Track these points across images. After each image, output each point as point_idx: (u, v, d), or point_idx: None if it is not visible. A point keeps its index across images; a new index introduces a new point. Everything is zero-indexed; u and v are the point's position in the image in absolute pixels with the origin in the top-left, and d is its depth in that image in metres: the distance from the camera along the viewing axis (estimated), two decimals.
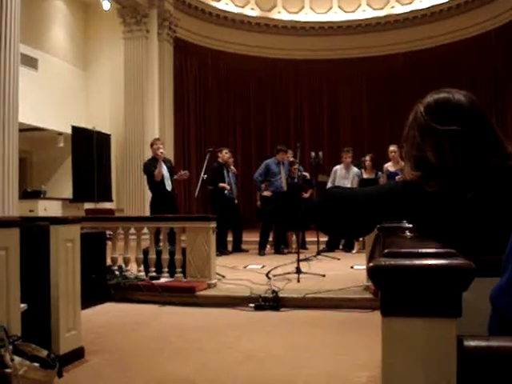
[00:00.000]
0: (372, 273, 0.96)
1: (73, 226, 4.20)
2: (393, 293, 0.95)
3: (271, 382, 3.76)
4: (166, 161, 9.23)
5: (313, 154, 9.86)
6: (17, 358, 3.09)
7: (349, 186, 10.62)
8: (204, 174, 8.86)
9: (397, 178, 9.28)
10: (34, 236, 3.99)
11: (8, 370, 3.04)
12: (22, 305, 3.66)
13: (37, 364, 3.16)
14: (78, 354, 4.16)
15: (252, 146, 16.74)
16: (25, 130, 12.76)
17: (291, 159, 10.89)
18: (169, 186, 9.10)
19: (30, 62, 12.44)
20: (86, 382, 3.77)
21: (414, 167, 1.68)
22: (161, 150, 9.03)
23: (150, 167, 9.09)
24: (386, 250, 0.99)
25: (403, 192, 1.67)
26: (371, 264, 0.97)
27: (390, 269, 0.94)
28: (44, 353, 3.26)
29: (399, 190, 1.70)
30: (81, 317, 4.42)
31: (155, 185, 9.01)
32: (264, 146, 16.18)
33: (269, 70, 17.16)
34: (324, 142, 16.21)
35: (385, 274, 0.95)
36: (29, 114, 11.88)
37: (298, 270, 7.27)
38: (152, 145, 9.33)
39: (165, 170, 9.07)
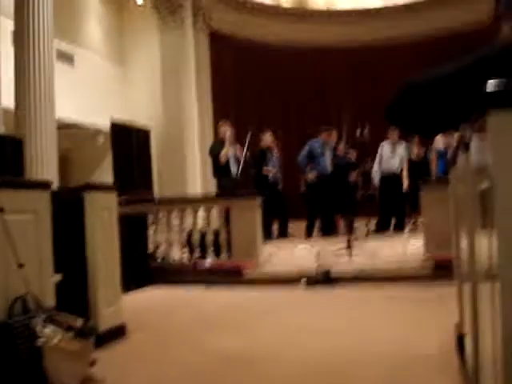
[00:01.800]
0: None
1: (109, 193, 3.92)
2: None
3: (332, 351, 3.40)
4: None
5: (358, 130, 9.42)
6: (49, 328, 2.79)
7: (396, 165, 10.21)
8: (245, 152, 8.54)
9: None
10: (69, 204, 3.71)
11: (40, 340, 2.75)
12: (56, 275, 3.38)
13: (71, 334, 2.86)
14: (119, 332, 3.87)
15: (292, 129, 16.32)
16: (63, 127, 12.67)
17: (335, 139, 10.47)
18: (234, 169, 8.81)
19: (66, 58, 12.31)
20: (127, 358, 3.47)
21: None
22: (228, 133, 8.75)
23: (214, 149, 8.84)
24: None
25: (503, 56, 1.29)
26: None
27: None
28: (79, 322, 2.96)
29: (498, 55, 1.32)
30: (122, 297, 4.14)
31: (220, 168, 8.69)
32: (304, 128, 15.67)
33: (306, 59, 16.73)
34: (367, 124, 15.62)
35: None
36: (66, 110, 11.75)
37: (350, 246, 6.85)
38: (219, 127, 9.19)
39: (231, 153, 8.79)
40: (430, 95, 1.40)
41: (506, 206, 1.10)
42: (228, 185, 8.42)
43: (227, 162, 8.61)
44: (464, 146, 1.75)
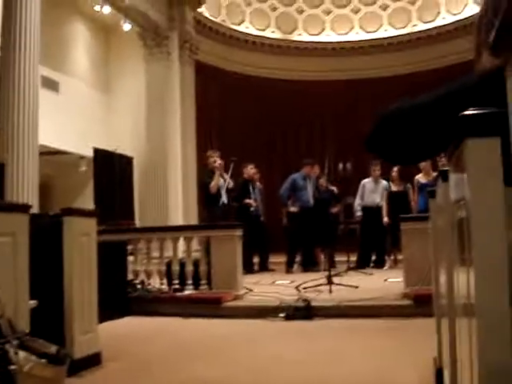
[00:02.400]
0: None
1: (89, 219, 3.88)
2: None
3: (310, 381, 3.37)
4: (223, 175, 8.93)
5: (340, 165, 9.50)
6: (22, 353, 2.74)
7: (378, 199, 10.27)
8: (227, 183, 8.55)
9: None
10: (47, 228, 3.67)
11: (12, 367, 2.70)
12: (32, 301, 3.33)
13: (44, 360, 2.81)
14: (94, 360, 3.80)
15: (275, 162, 16.41)
16: (47, 153, 12.61)
17: (317, 172, 10.53)
18: (225, 199, 8.80)
19: (52, 85, 12.32)
20: None
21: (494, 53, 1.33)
22: (218, 162, 8.75)
23: (205, 178, 8.86)
24: None
25: (481, 85, 1.31)
26: None
27: None
28: (53, 349, 2.91)
29: (475, 84, 1.34)
30: (99, 325, 4.09)
31: (210, 197, 8.67)
32: (287, 162, 15.81)
33: (291, 92, 16.89)
34: (350, 159, 15.79)
35: None
36: (50, 136, 11.74)
37: (330, 281, 6.84)
38: (208, 157, 9.09)
39: (222, 182, 8.78)
40: (409, 124, 1.42)
41: (482, 236, 1.11)
42: (218, 214, 8.39)
43: (217, 192, 8.61)
44: (443, 176, 1.77)
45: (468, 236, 1.23)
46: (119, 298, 6.14)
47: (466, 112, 1.04)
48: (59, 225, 3.63)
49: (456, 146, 1.15)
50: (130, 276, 6.86)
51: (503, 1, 0.91)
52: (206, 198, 8.83)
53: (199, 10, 15.18)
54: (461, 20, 16.02)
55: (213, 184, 8.54)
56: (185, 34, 14.43)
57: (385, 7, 17.49)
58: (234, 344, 4.64)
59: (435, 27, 16.87)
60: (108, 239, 6.09)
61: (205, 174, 9.15)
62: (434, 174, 9.40)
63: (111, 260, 6.00)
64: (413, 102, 1.47)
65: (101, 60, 14.45)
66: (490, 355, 1.14)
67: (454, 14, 16.57)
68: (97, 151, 12.55)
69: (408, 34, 17.25)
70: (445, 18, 16.84)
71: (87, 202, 12.81)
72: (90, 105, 13.73)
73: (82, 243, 3.76)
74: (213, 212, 8.59)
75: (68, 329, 3.62)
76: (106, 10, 12.33)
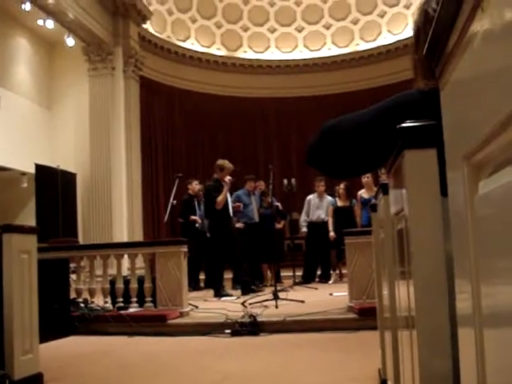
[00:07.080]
0: None
1: (29, 235, 3.79)
2: None
3: None
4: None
5: (285, 181, 9.56)
6: None
7: (323, 215, 10.38)
8: (173, 199, 8.44)
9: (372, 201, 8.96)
10: None
11: None
12: None
13: None
14: (35, 381, 3.69)
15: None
16: None
17: (262, 187, 10.56)
18: (232, 214, 8.72)
19: None
20: None
21: (428, 74, 1.37)
22: (228, 178, 8.57)
23: (212, 192, 8.54)
24: None
25: (422, 100, 1.35)
26: None
27: None
28: None
29: (416, 98, 1.38)
30: (40, 346, 3.98)
31: (216, 211, 8.44)
32: (232, 176, 15.82)
33: (236, 109, 16.98)
34: (294, 175, 15.89)
35: None
36: None
37: (276, 296, 6.86)
38: (222, 169, 8.72)
39: (229, 196, 8.68)
40: (349, 138, 1.45)
41: (419, 246, 1.13)
42: (226, 230, 8.30)
43: (224, 208, 8.52)
44: (383, 189, 1.81)
45: (407, 247, 1.25)
46: (62, 317, 6.00)
47: (404, 124, 1.07)
48: None
49: (395, 157, 1.18)
50: (73, 294, 6.73)
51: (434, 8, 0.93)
52: (212, 212, 8.57)
53: (144, 26, 15.15)
54: (401, 40, 16.45)
55: (220, 198, 8.41)
56: (129, 49, 14.33)
57: (328, 26, 17.81)
58: (180, 361, 4.59)
59: (377, 47, 17.28)
60: (50, 257, 5.96)
61: (212, 185, 8.76)
62: (375, 188, 9.58)
63: (53, 278, 5.87)
64: (353, 116, 1.50)
65: (43, 75, 14.21)
66: (430, 367, 1.16)
67: (395, 34, 17.02)
68: (39, 167, 12.31)
69: (351, 52, 17.60)
70: (386, 38, 17.28)
71: (29, 219, 12.51)
72: (33, 120, 13.48)
73: (22, 261, 3.67)
74: (220, 227, 8.52)
75: (8, 349, 3.51)
76: (50, 24, 12.15)
